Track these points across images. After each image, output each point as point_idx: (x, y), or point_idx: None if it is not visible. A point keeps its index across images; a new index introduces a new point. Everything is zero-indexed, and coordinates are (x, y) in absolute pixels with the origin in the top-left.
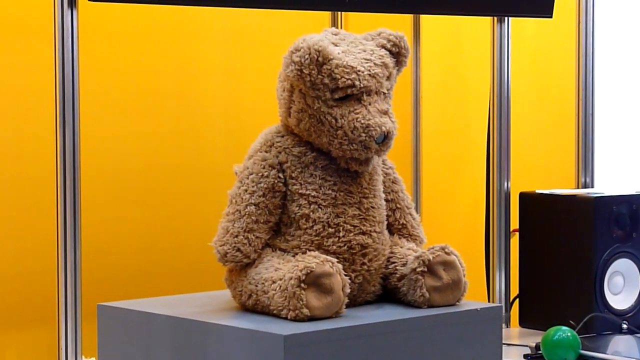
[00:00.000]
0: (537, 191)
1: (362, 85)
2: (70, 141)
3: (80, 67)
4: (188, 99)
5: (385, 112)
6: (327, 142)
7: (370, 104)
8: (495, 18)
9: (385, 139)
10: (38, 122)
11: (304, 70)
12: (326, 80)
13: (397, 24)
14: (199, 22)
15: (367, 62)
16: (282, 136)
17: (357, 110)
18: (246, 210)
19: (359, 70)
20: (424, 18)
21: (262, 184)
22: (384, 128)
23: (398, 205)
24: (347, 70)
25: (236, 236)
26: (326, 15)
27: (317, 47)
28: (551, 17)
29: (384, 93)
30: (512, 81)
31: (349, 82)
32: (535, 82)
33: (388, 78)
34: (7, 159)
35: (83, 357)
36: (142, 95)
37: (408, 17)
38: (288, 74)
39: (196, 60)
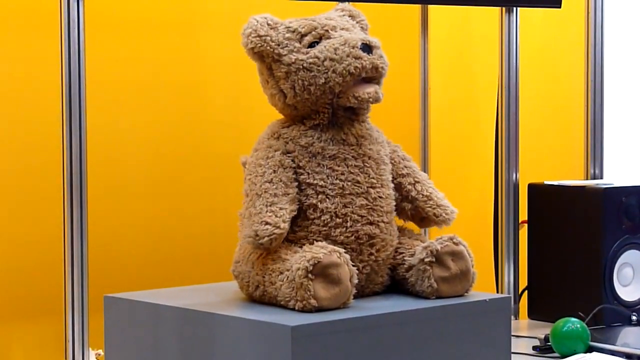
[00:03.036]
0: (546, 182)
1: (322, 24)
2: (76, 133)
3: (87, 59)
4: (194, 90)
5: (364, 31)
6: (324, 81)
7: (341, 35)
8: (504, 8)
9: (371, 47)
10: (44, 114)
11: (261, 33)
12: (288, 35)
13: (404, 15)
14: (204, 13)
15: (320, 16)
16: (288, 126)
17: (332, 40)
18: (262, 188)
19: (313, 18)
20: (432, 8)
21: (270, 163)
22: (361, 36)
23: (417, 179)
24: (301, 21)
25: (259, 213)
26: (333, 5)
27: (263, 15)
28: (560, 7)
29: (348, 28)
30: (521, 72)
31: (308, 26)
32: (543, 72)
33: (351, 26)
34: (13, 151)
35: (90, 349)
36: (148, 86)
37: (416, 8)
38: (250, 47)
39: (202, 52)
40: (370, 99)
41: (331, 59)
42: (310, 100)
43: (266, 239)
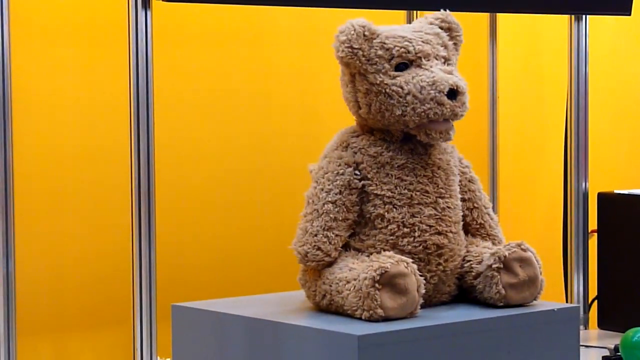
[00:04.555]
0: (616, 191)
1: (417, 50)
2: (144, 143)
3: (155, 68)
4: (262, 99)
5: (450, 72)
6: (401, 114)
7: (432, 67)
8: (573, 16)
9: (456, 94)
10: (113, 125)
11: (354, 46)
12: (380, 52)
13: (473, 23)
14: (272, 22)
15: (417, 32)
16: (357, 136)
17: (421, 73)
18: (324, 208)
19: (410, 38)
20: (501, 17)
21: (338, 182)
22: (451, 81)
23: (475, 205)
24: (398, 39)
25: (315, 235)
26: (401, 14)
27: (361, 23)
28: (630, 14)
29: (444, 57)
30: (590, 80)
31: (403, 48)
32: (613, 81)
33: (445, 47)
34: (82, 162)
35: (158, 357)
36: (216, 96)
37: (484, 16)
38: (340, 55)
39: (270, 61)
40: (441, 139)
41: (414, 96)
42: (381, 123)
43: (314, 263)
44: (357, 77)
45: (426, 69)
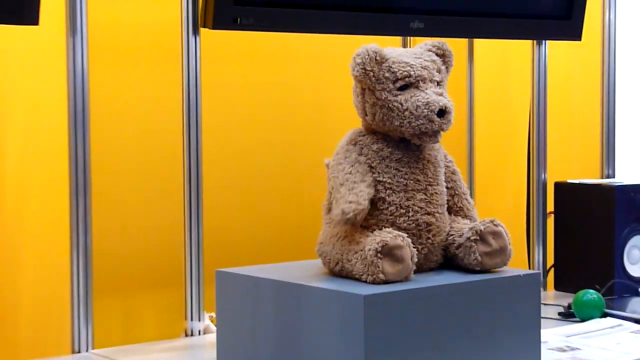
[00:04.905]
0: (569, 181)
1: (417, 75)
2: (194, 142)
3: (202, 82)
4: (288, 107)
5: (441, 94)
6: (399, 125)
7: (427, 89)
8: (535, 41)
9: (444, 113)
10: (170, 129)
11: (367, 68)
12: (387, 74)
13: (454, 47)
14: (296, 45)
15: (418, 59)
16: (363, 135)
17: (417, 94)
18: (344, 178)
19: (412, 64)
20: (477, 42)
21: (348, 160)
22: (441, 103)
23: (456, 192)
24: (403, 64)
25: (343, 197)
26: (397, 39)
27: (374, 49)
28: (580, 40)
29: (437, 82)
30: (550, 92)
31: (405, 72)
32: (568, 93)
33: (439, 72)
34: (144, 155)
35: (205, 312)
36: (252, 105)
37: (464, 41)
38: (355, 74)
39: (294, 77)
40: (430, 143)
41: (411, 112)
42: (382, 129)
43: (351, 214)
44: (367, 91)
45: (422, 91)
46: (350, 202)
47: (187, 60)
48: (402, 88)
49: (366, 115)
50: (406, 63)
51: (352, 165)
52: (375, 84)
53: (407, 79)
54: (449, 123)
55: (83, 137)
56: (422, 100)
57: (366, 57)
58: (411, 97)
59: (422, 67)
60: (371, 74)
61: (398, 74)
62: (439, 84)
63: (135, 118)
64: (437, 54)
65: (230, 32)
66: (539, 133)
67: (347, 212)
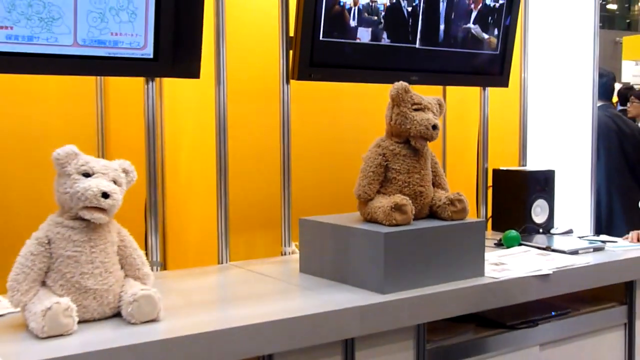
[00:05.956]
0: (501, 168)
1: (425, 104)
2: (286, 150)
3: (292, 118)
4: (350, 128)
5: (435, 119)
6: (409, 128)
7: (429, 114)
8: (482, 87)
9: (435, 128)
10: (272, 139)
11: (400, 92)
12: (409, 100)
13: (433, 89)
14: (348, 90)
15: (427, 97)
16: (384, 140)
17: (423, 114)
18: (368, 174)
19: (423, 99)
20: (449, 88)
21: (375, 162)
22: (434, 122)
23: (437, 174)
24: (419, 97)
25: (363, 186)
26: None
27: (404, 85)
28: (507, 87)
29: (434, 113)
30: (490, 115)
31: (419, 101)
32: (500, 116)
33: (437, 108)
34: (256, 158)
35: (292, 242)
36: (320, 128)
37: (440, 87)
38: (391, 94)
39: (347, 107)
40: (424, 144)
41: (418, 123)
42: (398, 130)
43: (363, 199)
44: (395, 107)
45: (426, 114)
46: (365, 192)
47: (282, 100)
48: (416, 109)
49: (391, 120)
50: (421, 97)
51: (376, 166)
52: (401, 102)
53: (419, 105)
54: (437, 133)
55: (225, 146)
56: (425, 117)
57: (400, 87)
58: (419, 115)
59: (428, 102)
60: (400, 98)
61: (415, 100)
62: (434, 114)
63: (253, 135)
64: (438, 103)
65: (309, 82)
66: (484, 139)
67: (361, 197)
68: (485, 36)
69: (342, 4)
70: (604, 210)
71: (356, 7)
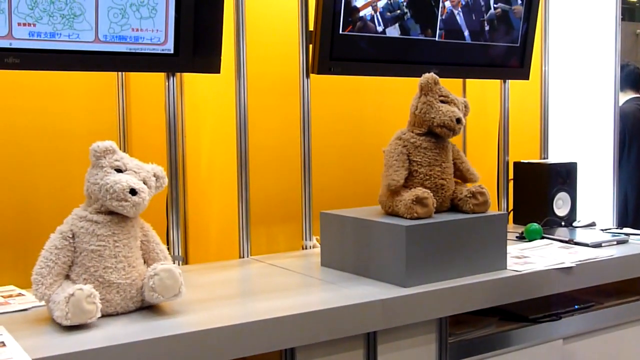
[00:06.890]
0: (522, 161)
1: (451, 99)
2: (307, 143)
3: (312, 112)
4: (371, 122)
5: (460, 112)
6: (432, 117)
7: (455, 106)
8: (502, 80)
9: (460, 121)
10: (293, 133)
11: (429, 82)
12: (437, 92)
13: (454, 84)
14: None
15: (454, 94)
16: (405, 133)
17: (450, 107)
18: (392, 162)
19: (448, 95)
20: (469, 81)
21: (396, 151)
22: (458, 115)
23: (462, 160)
24: (446, 91)
25: (389, 175)
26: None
27: (434, 76)
28: (528, 79)
29: (459, 108)
30: (510, 109)
31: (446, 94)
32: (521, 109)
33: (463, 108)
34: (277, 152)
35: (313, 236)
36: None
37: (460, 80)
38: (421, 83)
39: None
40: (447, 137)
41: (443, 113)
42: (421, 119)
43: (393, 187)
44: (422, 96)
45: (452, 107)
46: (393, 179)
47: (302, 94)
48: (442, 101)
49: (416, 109)
50: (449, 92)
51: (398, 155)
52: (429, 92)
53: (446, 98)
54: (460, 128)
55: (245, 140)
56: (450, 109)
57: (431, 77)
58: (445, 106)
59: (455, 98)
60: (428, 88)
61: (442, 93)
62: (459, 110)
63: (274, 129)
64: (464, 104)
65: (329, 76)
66: (504, 131)
67: (391, 186)
68: (512, 7)
69: (361, 16)
70: (634, 202)
71: (377, 13)
